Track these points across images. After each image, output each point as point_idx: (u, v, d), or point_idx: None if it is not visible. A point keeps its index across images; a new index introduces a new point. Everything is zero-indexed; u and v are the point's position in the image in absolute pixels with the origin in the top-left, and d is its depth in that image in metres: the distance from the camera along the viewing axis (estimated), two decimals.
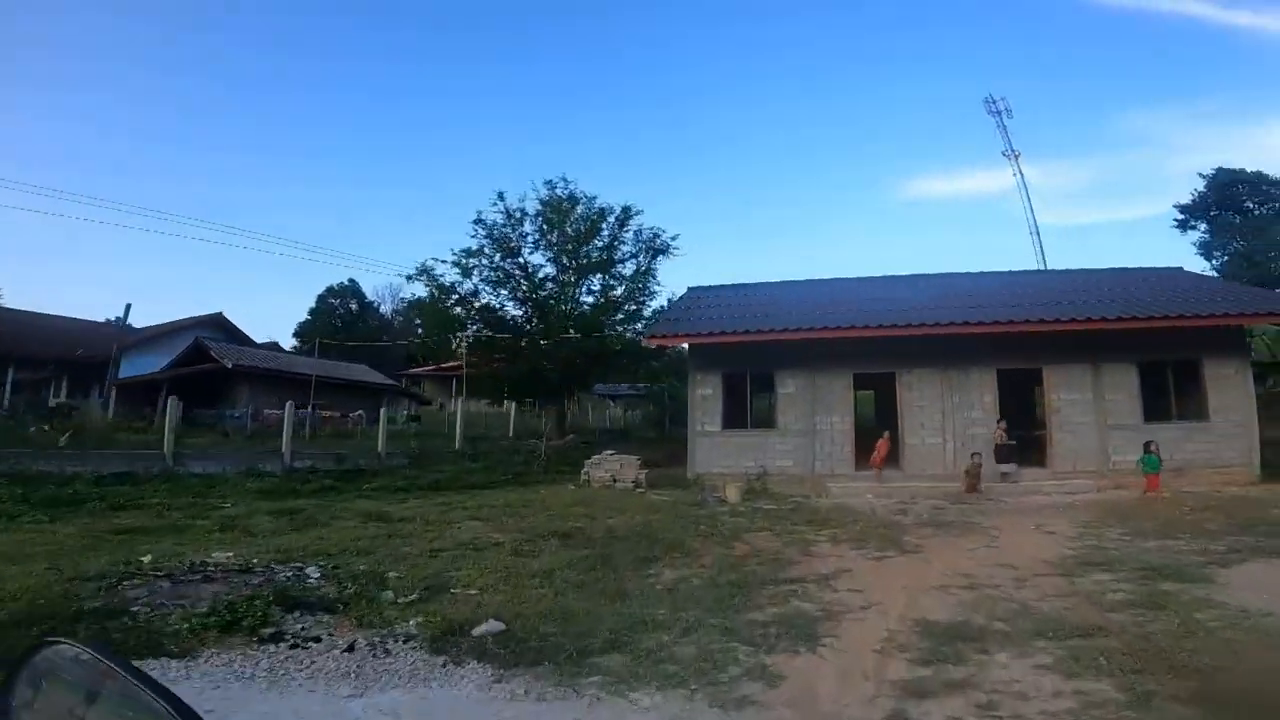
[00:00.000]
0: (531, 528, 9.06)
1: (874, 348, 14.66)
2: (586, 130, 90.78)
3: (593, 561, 7.11)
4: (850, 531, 9.34)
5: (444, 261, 23.09)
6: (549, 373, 23.58)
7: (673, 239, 24.63)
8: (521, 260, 23.72)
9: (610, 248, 24.19)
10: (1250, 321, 14.96)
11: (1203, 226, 36.58)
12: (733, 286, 20.28)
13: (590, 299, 24.68)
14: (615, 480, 14.83)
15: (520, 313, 24.56)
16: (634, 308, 24.72)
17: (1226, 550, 7.24)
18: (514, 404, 28.54)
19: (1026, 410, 16.64)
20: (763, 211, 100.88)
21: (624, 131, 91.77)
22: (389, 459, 17.88)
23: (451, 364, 30.93)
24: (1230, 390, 14.76)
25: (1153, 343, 14.42)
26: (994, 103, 29.10)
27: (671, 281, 58.68)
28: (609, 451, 15.74)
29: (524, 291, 23.73)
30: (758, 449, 14.91)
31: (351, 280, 54.97)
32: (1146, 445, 13.17)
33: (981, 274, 18.99)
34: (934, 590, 6.14)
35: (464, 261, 23.07)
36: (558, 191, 23.64)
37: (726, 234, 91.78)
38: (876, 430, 15.20)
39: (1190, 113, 64.52)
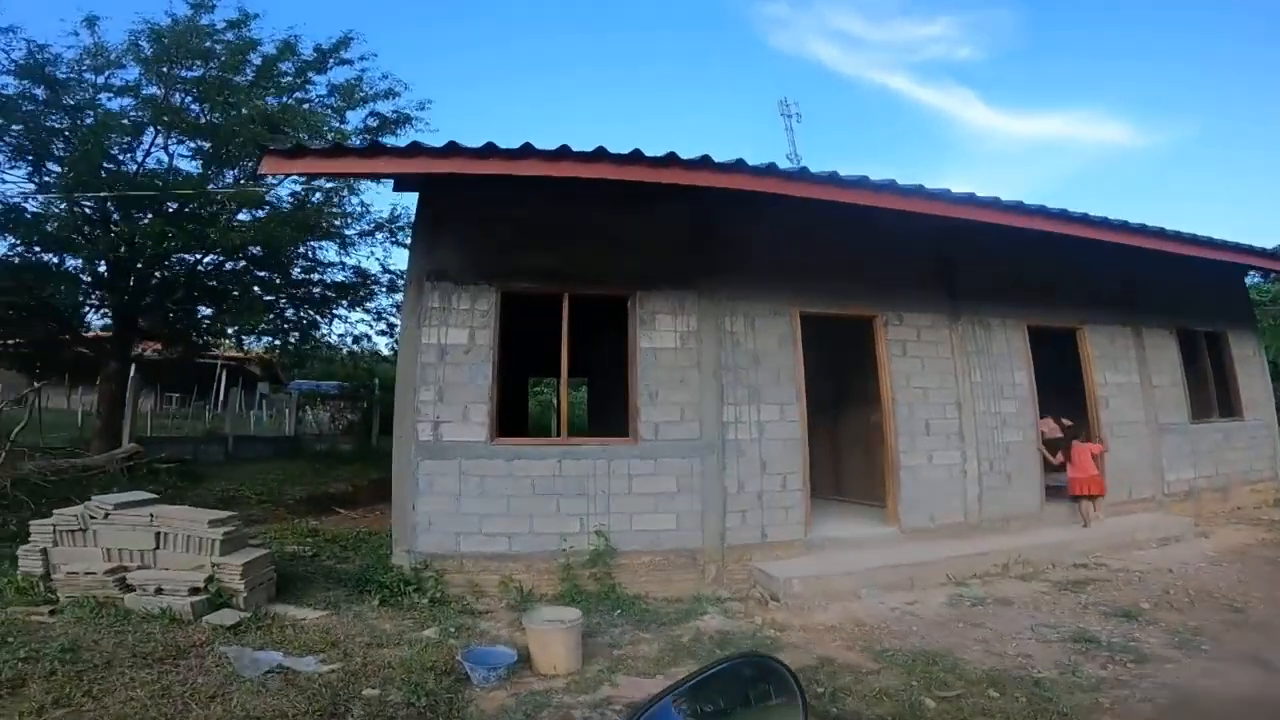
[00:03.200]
0: None
1: (848, 256, 6.80)
2: None
3: None
4: None
5: None
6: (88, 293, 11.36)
7: (421, 107, 12.33)
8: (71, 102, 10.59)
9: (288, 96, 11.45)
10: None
11: None
12: None
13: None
14: (130, 584, 4.62)
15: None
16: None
17: None
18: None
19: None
20: None
21: None
22: None
23: None
24: (1254, 376, 9.99)
25: (1181, 297, 8.98)
26: (787, 106, 24.15)
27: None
28: (141, 495, 5.27)
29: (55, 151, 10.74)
30: (583, 489, 5.85)
31: None
32: None
33: None
34: None
35: None
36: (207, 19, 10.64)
37: None
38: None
39: None
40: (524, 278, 5.98)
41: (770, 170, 5.34)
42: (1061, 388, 8.36)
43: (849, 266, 6.87)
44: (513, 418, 7.35)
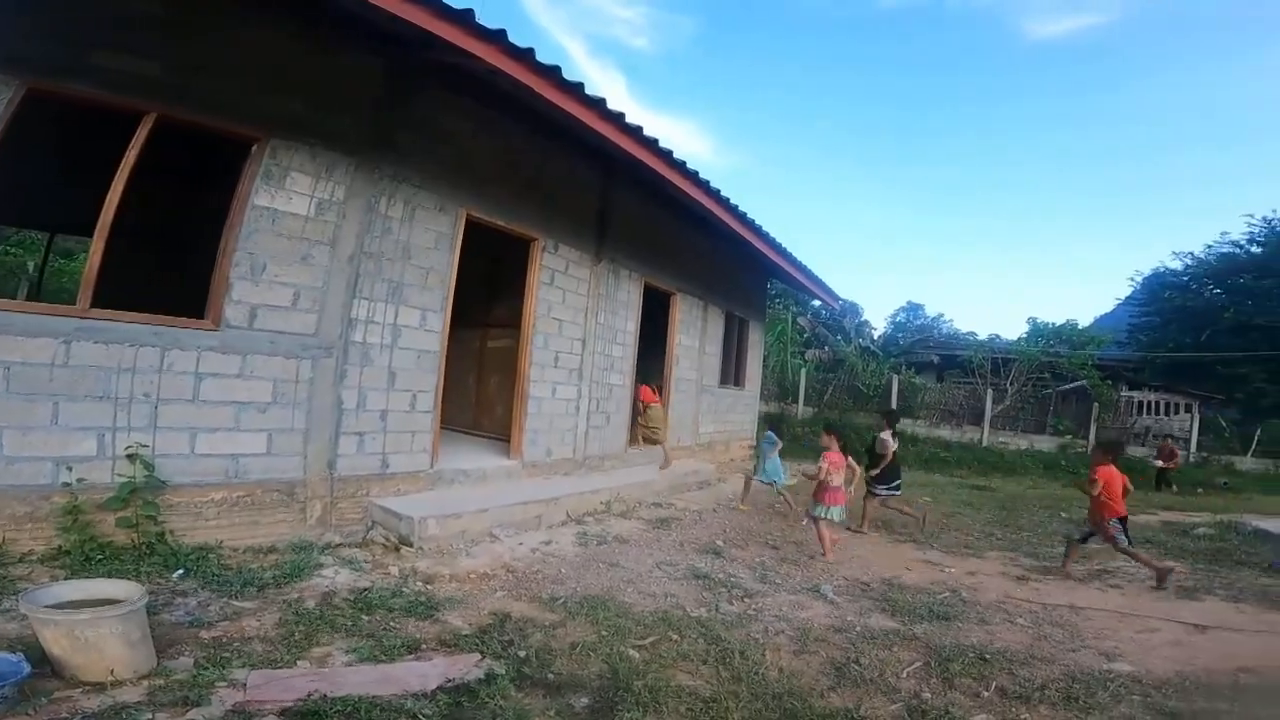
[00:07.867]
0: None
1: (523, 172, 6.11)
2: None
3: None
4: None
5: None
6: None
7: None
8: None
9: None
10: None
11: None
12: None
13: None
14: None
15: None
16: None
17: None
18: None
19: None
20: None
21: None
22: None
23: None
24: (756, 358, 13.28)
25: (733, 287, 11.27)
26: None
27: None
28: None
29: None
30: (110, 390, 3.85)
31: None
32: None
33: None
34: None
35: None
36: None
37: None
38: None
39: None
40: (92, 78, 3.61)
41: (466, 17, 4.20)
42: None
43: (522, 182, 6.28)
44: None
